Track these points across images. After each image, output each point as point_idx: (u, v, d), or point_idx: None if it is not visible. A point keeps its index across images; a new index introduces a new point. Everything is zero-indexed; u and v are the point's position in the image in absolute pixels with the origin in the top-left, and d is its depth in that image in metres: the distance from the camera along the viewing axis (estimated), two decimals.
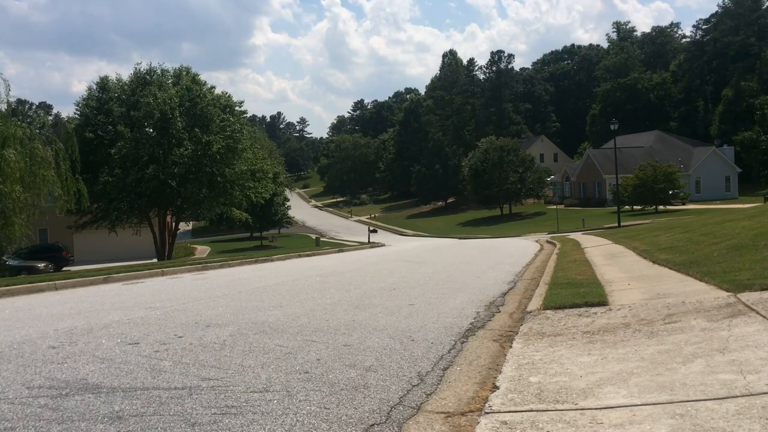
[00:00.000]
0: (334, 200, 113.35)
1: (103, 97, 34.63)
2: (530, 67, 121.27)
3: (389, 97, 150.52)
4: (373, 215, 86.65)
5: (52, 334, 5.89)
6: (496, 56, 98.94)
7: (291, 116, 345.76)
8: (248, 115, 48.97)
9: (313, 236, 58.78)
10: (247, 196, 35.86)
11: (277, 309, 7.12)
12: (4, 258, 27.07)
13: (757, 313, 4.53)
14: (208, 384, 3.76)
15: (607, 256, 12.52)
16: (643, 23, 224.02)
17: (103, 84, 35.14)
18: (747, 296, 5.11)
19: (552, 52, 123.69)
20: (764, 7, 75.77)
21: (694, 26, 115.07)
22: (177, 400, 3.42)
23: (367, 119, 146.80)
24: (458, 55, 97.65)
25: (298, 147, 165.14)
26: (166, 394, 3.56)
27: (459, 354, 4.58)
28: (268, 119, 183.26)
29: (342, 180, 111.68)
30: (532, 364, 4.07)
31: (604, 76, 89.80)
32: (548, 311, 6.02)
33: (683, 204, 52.64)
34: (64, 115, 54.54)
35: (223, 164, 33.52)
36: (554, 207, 54.79)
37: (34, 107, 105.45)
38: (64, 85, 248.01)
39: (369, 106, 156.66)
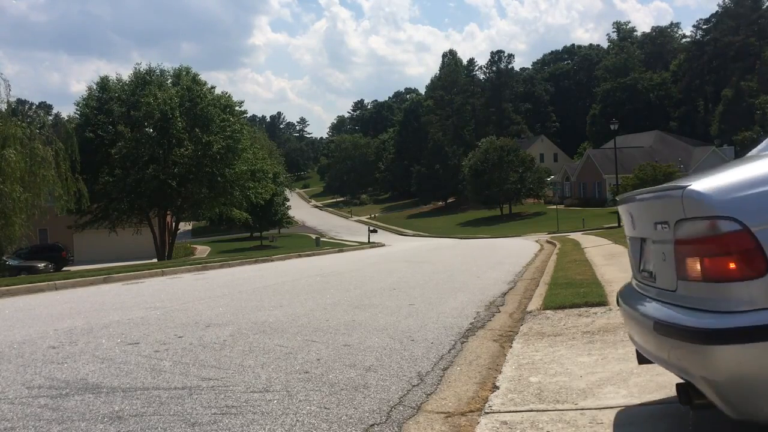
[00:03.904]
0: (334, 200, 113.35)
1: (103, 97, 34.67)
2: (530, 67, 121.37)
3: (389, 97, 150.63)
4: (373, 215, 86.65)
5: (52, 334, 5.89)
6: (496, 56, 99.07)
7: (291, 116, 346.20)
8: (248, 115, 49.05)
9: (313, 236, 58.77)
10: (247, 196, 35.88)
11: (277, 309, 7.12)
12: (4, 258, 27.06)
13: None
14: (208, 384, 3.76)
15: (607, 256, 12.52)
16: (643, 23, 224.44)
17: (103, 84, 35.17)
18: None
19: (552, 52, 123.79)
20: (764, 7, 75.80)
21: (694, 26, 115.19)
22: (177, 400, 3.42)
23: (367, 119, 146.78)
24: (458, 55, 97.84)
25: (298, 147, 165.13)
26: (166, 394, 3.56)
27: (459, 354, 4.58)
28: (268, 119, 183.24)
29: (342, 180, 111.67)
30: (532, 364, 4.07)
31: (604, 76, 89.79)
32: (548, 311, 6.03)
33: None
34: (63, 114, 54.56)
35: (223, 164, 33.54)
36: (554, 207, 54.78)
37: (34, 107, 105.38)
38: (63, 84, 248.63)
39: (369, 106, 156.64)
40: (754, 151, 2.56)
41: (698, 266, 1.86)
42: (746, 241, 1.74)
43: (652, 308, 2.17)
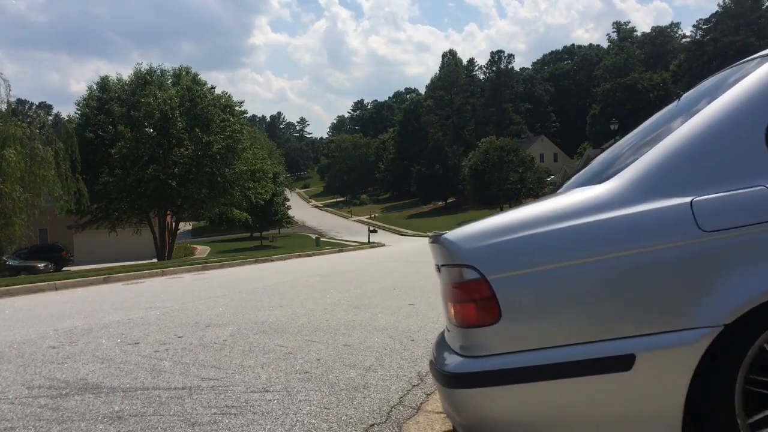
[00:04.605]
0: (334, 200, 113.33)
1: (103, 97, 34.70)
2: (530, 67, 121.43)
3: (389, 97, 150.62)
4: (373, 215, 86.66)
5: (52, 334, 5.89)
6: (496, 56, 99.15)
7: (291, 116, 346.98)
8: (248, 115, 49.03)
9: (313, 236, 58.78)
10: (247, 196, 35.89)
11: (277, 309, 7.12)
12: (4, 258, 27.06)
13: None
14: (208, 384, 3.76)
15: None
16: (643, 23, 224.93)
17: (104, 84, 35.20)
18: None
19: (552, 52, 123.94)
20: (764, 7, 75.83)
21: (694, 26, 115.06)
22: (177, 400, 3.42)
23: (367, 119, 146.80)
24: (458, 55, 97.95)
25: (298, 147, 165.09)
26: (166, 394, 3.56)
27: None
28: (268, 119, 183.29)
29: (342, 180, 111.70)
30: None
31: (604, 76, 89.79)
32: None
33: None
34: (63, 114, 54.61)
35: (223, 164, 33.57)
36: None
37: (34, 107, 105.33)
38: (63, 84, 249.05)
39: (369, 106, 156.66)
40: (563, 187, 2.55)
41: (453, 311, 1.93)
42: (484, 289, 1.80)
43: (433, 349, 2.23)
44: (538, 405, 1.77)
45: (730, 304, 1.67)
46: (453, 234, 1.96)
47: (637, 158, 1.94)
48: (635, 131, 2.43)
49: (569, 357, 1.73)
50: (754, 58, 2.17)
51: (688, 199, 1.75)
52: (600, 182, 1.96)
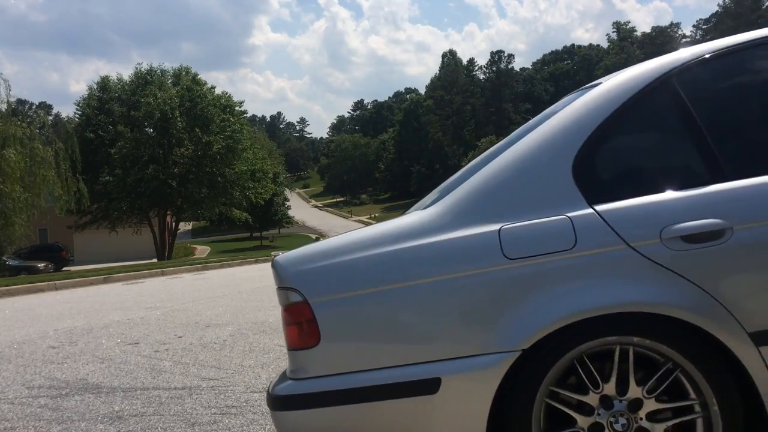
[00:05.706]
0: (334, 200, 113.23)
1: (103, 97, 34.73)
2: (530, 67, 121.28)
3: (389, 97, 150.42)
4: (373, 215, 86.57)
5: (52, 334, 5.90)
6: (496, 56, 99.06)
7: (291, 116, 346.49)
8: (248, 115, 49.04)
9: (313, 236, 58.74)
10: (247, 196, 35.88)
11: (277, 309, 7.09)
12: (4, 258, 27.05)
13: None
14: (208, 384, 3.76)
15: None
16: (643, 23, 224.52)
17: (104, 84, 35.23)
18: None
19: (552, 51, 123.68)
20: (764, 7, 75.86)
21: (694, 26, 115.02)
22: (177, 400, 3.42)
23: (367, 119, 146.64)
24: (458, 54, 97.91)
25: (298, 147, 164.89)
26: (166, 394, 3.57)
27: None
28: (268, 119, 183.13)
29: (342, 180, 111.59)
30: None
31: (604, 75, 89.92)
32: None
33: None
34: (63, 114, 54.71)
35: (223, 164, 33.55)
36: None
37: (34, 107, 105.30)
38: (63, 84, 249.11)
39: (369, 106, 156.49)
40: (412, 207, 2.57)
41: (284, 333, 1.96)
42: (306, 312, 1.82)
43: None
44: (350, 428, 1.80)
45: (527, 330, 1.70)
46: (283, 257, 1.98)
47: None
48: (483, 154, 2.44)
49: (380, 380, 1.75)
50: (582, 89, 2.19)
51: (497, 227, 1.78)
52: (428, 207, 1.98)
